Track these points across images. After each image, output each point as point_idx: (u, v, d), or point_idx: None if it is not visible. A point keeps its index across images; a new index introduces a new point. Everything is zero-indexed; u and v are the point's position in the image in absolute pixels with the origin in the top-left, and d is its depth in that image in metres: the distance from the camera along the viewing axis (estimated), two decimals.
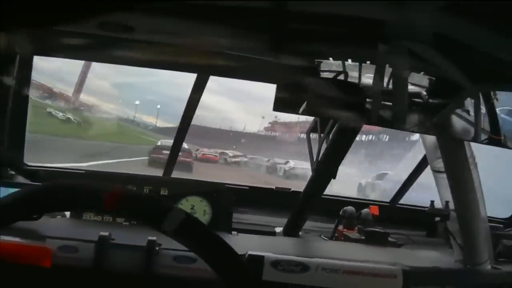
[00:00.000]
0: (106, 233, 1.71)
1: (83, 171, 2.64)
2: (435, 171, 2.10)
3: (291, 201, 2.55)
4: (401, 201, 3.30)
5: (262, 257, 1.77)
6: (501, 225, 2.61)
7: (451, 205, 2.06)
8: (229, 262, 1.00)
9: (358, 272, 1.78)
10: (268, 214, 2.83)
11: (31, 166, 2.73)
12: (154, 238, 1.69)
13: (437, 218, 2.14)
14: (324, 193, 2.50)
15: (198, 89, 2.71)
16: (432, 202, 2.17)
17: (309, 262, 1.78)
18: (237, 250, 1.69)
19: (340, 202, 2.79)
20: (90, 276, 1.67)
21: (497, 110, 1.44)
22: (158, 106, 17.33)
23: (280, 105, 1.27)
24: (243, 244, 1.92)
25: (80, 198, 0.95)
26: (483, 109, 1.43)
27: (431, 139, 2.02)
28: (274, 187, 3.13)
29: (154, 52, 1.67)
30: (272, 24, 1.25)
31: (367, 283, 1.77)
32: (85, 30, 1.51)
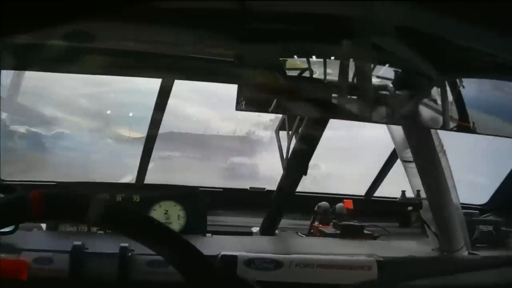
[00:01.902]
0: (79, 243, 1.70)
1: (55, 183, 2.61)
2: (404, 161, 2.11)
3: (266, 201, 2.55)
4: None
5: (235, 256, 1.77)
6: (477, 212, 2.63)
7: (423, 194, 2.07)
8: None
9: (332, 265, 1.79)
10: (244, 214, 2.83)
11: (6, 181, 2.71)
12: (126, 244, 1.68)
13: (410, 208, 2.15)
14: (298, 190, 2.50)
15: (164, 94, 2.70)
16: (404, 192, 2.18)
17: (282, 259, 1.78)
18: (211, 252, 1.69)
19: (314, 198, 2.79)
20: (66, 285, 1.66)
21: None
22: (130, 114, 17.18)
23: (242, 104, 1.26)
24: (218, 245, 1.91)
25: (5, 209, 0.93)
26: (450, 97, 1.43)
27: (399, 129, 2.03)
28: (248, 187, 3.13)
29: (116, 60, 1.65)
30: (234, 24, 1.24)
31: (341, 276, 1.78)
32: (45, 40, 1.49)
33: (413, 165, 2.01)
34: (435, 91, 1.43)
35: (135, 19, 1.23)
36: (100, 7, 0.53)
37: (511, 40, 1.04)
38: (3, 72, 2.41)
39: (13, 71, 2.82)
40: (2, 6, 0.48)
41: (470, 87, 1.46)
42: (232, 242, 2.09)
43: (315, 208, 2.56)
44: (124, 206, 1.00)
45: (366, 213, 2.66)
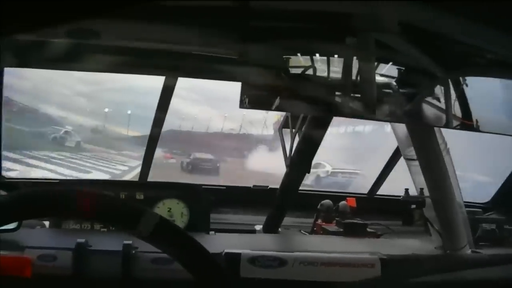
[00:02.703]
0: (83, 240, 1.70)
1: (58, 181, 2.62)
2: (408, 159, 2.11)
3: (270, 198, 2.55)
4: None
5: (239, 254, 1.77)
6: (480, 210, 2.63)
7: (426, 192, 2.07)
8: (202, 263, 0.99)
9: (336, 263, 1.79)
10: (247, 212, 2.83)
11: (8, 178, 2.71)
12: (130, 242, 1.69)
13: (413, 206, 2.15)
14: (302, 188, 2.50)
15: (167, 92, 2.70)
16: (407, 190, 2.18)
17: (286, 257, 1.78)
18: (215, 249, 1.69)
19: (317, 196, 2.79)
20: (69, 283, 1.67)
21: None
22: (129, 112, 17.10)
23: (246, 102, 1.27)
24: (221, 243, 1.92)
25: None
26: (453, 95, 1.43)
27: (401, 127, 2.03)
28: (251, 186, 3.13)
29: (120, 57, 1.65)
30: (237, 22, 1.25)
31: (345, 274, 1.78)
32: (51, 38, 1.49)
33: (416, 163, 2.01)
34: (439, 89, 1.43)
35: (138, 17, 1.23)
36: (102, 6, 0.53)
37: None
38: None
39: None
40: (3, 6, 0.48)
41: (474, 85, 1.46)
42: (235, 240, 2.09)
43: (318, 206, 2.56)
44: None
45: (369, 211, 2.66)
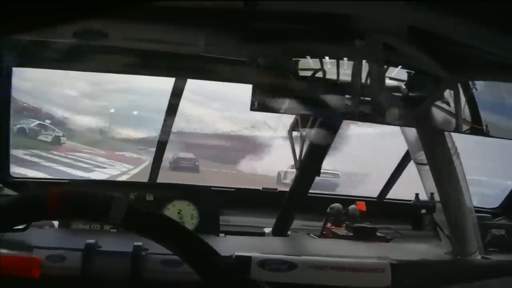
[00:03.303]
0: (93, 241, 1.70)
1: (68, 180, 2.63)
2: (418, 163, 2.10)
3: (279, 201, 2.55)
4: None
5: (249, 257, 1.76)
6: (490, 215, 2.62)
7: (437, 197, 2.06)
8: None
9: (346, 268, 1.78)
10: (256, 215, 2.83)
11: (17, 178, 2.72)
12: (140, 243, 1.68)
13: (423, 210, 2.14)
14: (311, 191, 2.50)
15: (177, 94, 2.71)
16: (417, 194, 2.17)
17: (296, 260, 1.78)
18: (225, 252, 1.70)
19: (327, 199, 2.79)
20: (78, 284, 1.66)
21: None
22: (135, 113, 17.05)
23: (257, 105, 1.27)
24: (231, 245, 1.91)
25: (21, 207, 0.94)
26: (463, 99, 1.43)
27: (412, 131, 2.02)
28: (261, 188, 3.13)
29: (129, 58, 1.66)
30: (247, 24, 1.25)
31: (355, 278, 1.77)
32: (58, 39, 1.50)
33: (427, 167, 2.00)
34: (448, 93, 1.42)
35: (146, 18, 1.23)
36: (105, 6, 0.53)
37: None
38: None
39: None
40: (3, 6, 0.48)
41: (484, 89, 1.46)
42: (245, 243, 2.09)
43: (328, 210, 2.56)
44: (143, 206, 1.00)
45: (378, 215, 2.66)
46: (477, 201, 2.28)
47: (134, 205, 0.97)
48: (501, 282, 1.97)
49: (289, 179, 12.04)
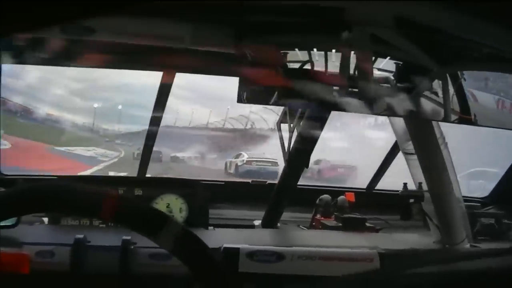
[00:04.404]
0: (81, 236, 1.70)
1: (56, 176, 2.62)
2: (406, 153, 2.11)
3: (268, 194, 2.55)
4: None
5: (238, 249, 1.77)
6: (479, 204, 2.64)
7: (425, 187, 2.07)
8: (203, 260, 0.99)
9: (334, 257, 1.79)
10: (246, 207, 2.83)
11: (7, 175, 2.71)
12: (129, 237, 1.69)
13: (411, 200, 2.15)
14: (300, 183, 2.50)
15: (165, 87, 2.70)
16: (405, 184, 2.18)
17: (284, 251, 1.79)
18: (213, 244, 1.70)
19: (316, 191, 2.79)
20: (68, 279, 1.67)
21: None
22: (120, 107, 16.95)
23: (244, 97, 1.27)
24: (220, 238, 1.92)
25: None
26: (451, 89, 1.43)
27: (400, 121, 2.02)
28: (250, 180, 3.14)
29: (117, 53, 1.65)
30: (234, 16, 1.24)
31: (344, 268, 1.78)
32: (45, 34, 1.49)
33: (415, 157, 2.01)
34: (437, 83, 1.43)
35: (134, 13, 1.23)
36: (100, 5, 0.52)
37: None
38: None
39: None
40: (1, 6, 0.48)
41: (472, 79, 1.46)
42: (234, 235, 2.09)
43: (317, 201, 2.56)
44: (130, 199, 1.00)
45: (367, 206, 2.67)
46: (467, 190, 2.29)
47: (124, 200, 0.97)
48: (489, 269, 1.99)
49: (233, 169, 12.77)
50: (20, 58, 1.83)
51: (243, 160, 13.14)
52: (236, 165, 13.21)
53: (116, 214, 0.94)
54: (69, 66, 2.07)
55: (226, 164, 13.36)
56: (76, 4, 0.50)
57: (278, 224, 2.55)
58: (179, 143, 15.62)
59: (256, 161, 12.70)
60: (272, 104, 1.40)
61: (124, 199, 0.96)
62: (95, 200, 0.93)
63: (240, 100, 1.26)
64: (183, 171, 14.01)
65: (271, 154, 12.38)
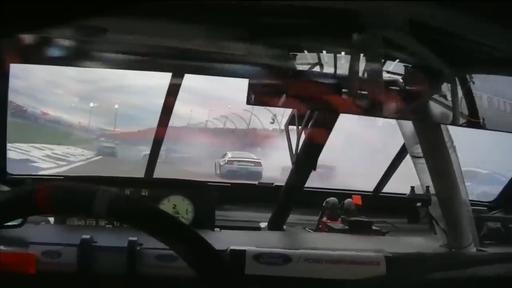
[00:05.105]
0: (88, 236, 1.70)
1: (63, 177, 2.63)
2: (414, 157, 2.11)
3: (275, 196, 2.55)
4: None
5: (244, 251, 1.77)
6: (485, 208, 2.63)
7: (432, 190, 2.07)
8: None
9: (341, 260, 1.79)
10: (252, 209, 2.84)
11: (14, 175, 2.72)
12: (135, 238, 1.69)
13: (419, 204, 2.15)
14: (307, 185, 2.50)
15: (174, 89, 2.71)
16: (413, 188, 2.17)
17: (291, 254, 1.78)
18: (220, 246, 1.70)
19: (323, 193, 2.79)
20: (74, 279, 1.67)
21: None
22: (116, 106, 16.90)
23: (253, 99, 1.27)
24: (226, 239, 1.91)
25: (11, 203, 0.94)
26: (460, 93, 1.43)
27: (408, 124, 2.02)
28: (257, 183, 3.14)
29: (128, 53, 1.65)
30: (244, 19, 1.25)
31: (350, 271, 1.77)
32: (55, 34, 1.49)
33: (422, 160, 2.01)
34: (445, 87, 1.43)
35: (144, 13, 1.23)
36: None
37: None
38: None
39: None
40: (4, 5, 0.48)
41: (481, 83, 1.46)
42: (240, 237, 2.09)
43: (324, 204, 2.56)
44: (133, 198, 1.00)
45: (374, 209, 2.66)
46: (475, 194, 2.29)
47: (121, 197, 0.97)
48: (495, 274, 1.98)
49: (218, 169, 12.69)
50: (29, 57, 1.84)
51: (225, 160, 13.13)
52: (220, 165, 13.20)
53: (52, 203, 0.93)
54: (75, 66, 2.07)
55: (215, 164, 13.29)
56: (77, 4, 0.50)
57: (284, 227, 2.55)
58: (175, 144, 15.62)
59: (238, 161, 12.74)
60: (281, 106, 1.40)
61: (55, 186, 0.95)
62: (27, 193, 0.93)
63: (249, 101, 1.26)
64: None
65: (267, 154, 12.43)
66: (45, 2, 0.49)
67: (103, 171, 13.21)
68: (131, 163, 13.33)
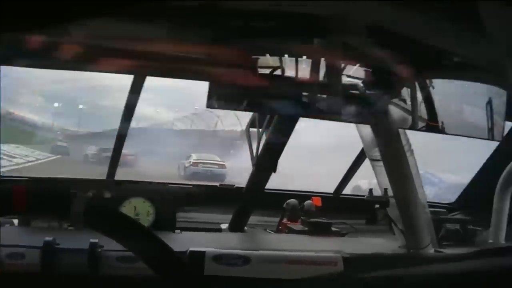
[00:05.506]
0: (51, 238, 1.69)
1: (27, 178, 2.60)
2: (372, 160, 2.13)
3: (236, 197, 2.56)
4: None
5: (203, 252, 1.77)
6: (445, 210, 2.68)
7: (390, 192, 2.10)
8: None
9: (299, 261, 1.81)
10: (213, 211, 2.83)
11: (5, 177, 2.69)
12: (96, 240, 1.68)
13: (377, 205, 2.17)
14: (267, 187, 2.51)
15: (135, 91, 2.69)
16: (371, 190, 2.20)
17: (250, 255, 1.79)
18: (180, 247, 1.70)
19: (283, 195, 2.81)
20: (38, 281, 1.66)
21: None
22: (81, 107, 16.65)
23: (213, 102, 1.27)
24: (186, 241, 1.92)
25: None
26: (419, 97, 1.45)
27: (367, 128, 2.05)
28: (218, 184, 3.14)
29: (89, 54, 1.63)
30: (206, 21, 1.25)
31: (308, 272, 1.79)
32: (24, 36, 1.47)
33: (381, 163, 2.03)
34: (405, 91, 1.45)
35: (108, 14, 1.22)
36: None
37: (479, 40, 1.06)
38: None
39: None
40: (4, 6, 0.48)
41: (440, 88, 1.49)
42: (201, 238, 2.10)
43: (284, 205, 2.57)
44: (102, 204, 1.00)
45: (334, 210, 2.69)
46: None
47: (93, 203, 0.97)
48: (452, 274, 2.02)
49: (182, 171, 12.73)
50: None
51: (190, 162, 13.11)
52: (184, 166, 13.16)
53: (27, 205, 0.94)
54: (41, 68, 2.04)
55: (178, 166, 13.25)
56: (75, 4, 0.50)
57: (245, 228, 2.56)
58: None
59: (203, 163, 12.72)
60: (242, 110, 1.41)
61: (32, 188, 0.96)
62: (5, 194, 0.93)
63: (210, 105, 1.26)
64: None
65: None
66: (45, 2, 0.49)
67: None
68: (80, 161, 13.51)
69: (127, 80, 2.66)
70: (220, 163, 12.13)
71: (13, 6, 0.48)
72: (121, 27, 1.34)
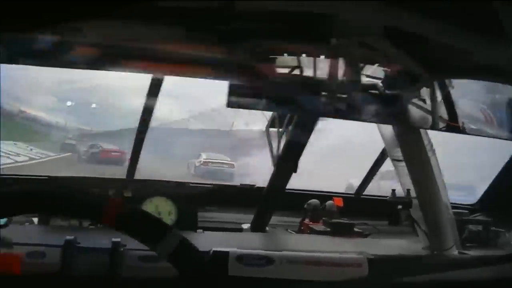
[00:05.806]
0: (72, 237, 1.69)
1: (47, 177, 2.61)
2: (394, 160, 2.11)
3: (256, 197, 2.55)
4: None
5: (227, 252, 1.76)
6: (467, 211, 2.64)
7: (413, 193, 2.08)
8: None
9: (323, 262, 1.79)
10: (234, 211, 2.83)
11: (3, 175, 2.71)
12: (119, 239, 1.68)
13: (399, 206, 2.16)
14: (288, 187, 2.51)
15: (154, 90, 2.70)
16: (393, 190, 2.18)
17: (273, 255, 1.78)
18: (202, 247, 1.69)
19: (304, 195, 2.79)
20: (58, 280, 1.66)
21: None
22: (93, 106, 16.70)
23: (234, 102, 1.27)
24: (209, 241, 1.91)
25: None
26: (439, 97, 1.44)
27: (388, 128, 2.03)
28: (239, 184, 3.14)
29: (104, 54, 1.64)
30: (224, 22, 1.25)
31: (332, 273, 1.78)
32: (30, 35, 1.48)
33: (403, 164, 2.02)
34: (425, 91, 1.44)
35: (126, 15, 1.22)
36: (95, 8, 0.53)
37: (497, 41, 1.05)
38: None
39: None
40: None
41: (461, 88, 1.47)
42: (223, 238, 2.09)
43: (305, 206, 2.56)
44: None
45: (356, 211, 2.67)
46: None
47: (125, 207, 0.98)
48: (477, 276, 1.99)
49: (192, 169, 12.81)
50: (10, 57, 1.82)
51: (200, 161, 13.19)
52: (195, 165, 13.23)
53: (116, 221, 0.94)
54: (55, 66, 2.06)
55: (187, 165, 13.35)
56: (76, 5, 0.50)
57: (267, 228, 2.55)
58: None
59: (213, 162, 12.83)
60: (262, 109, 1.41)
61: (126, 207, 0.97)
62: (96, 206, 0.94)
63: (230, 104, 1.26)
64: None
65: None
66: (45, 2, 0.49)
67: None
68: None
69: (138, 80, 2.66)
70: (229, 162, 12.26)
71: (13, 6, 0.48)
72: (136, 28, 1.34)
